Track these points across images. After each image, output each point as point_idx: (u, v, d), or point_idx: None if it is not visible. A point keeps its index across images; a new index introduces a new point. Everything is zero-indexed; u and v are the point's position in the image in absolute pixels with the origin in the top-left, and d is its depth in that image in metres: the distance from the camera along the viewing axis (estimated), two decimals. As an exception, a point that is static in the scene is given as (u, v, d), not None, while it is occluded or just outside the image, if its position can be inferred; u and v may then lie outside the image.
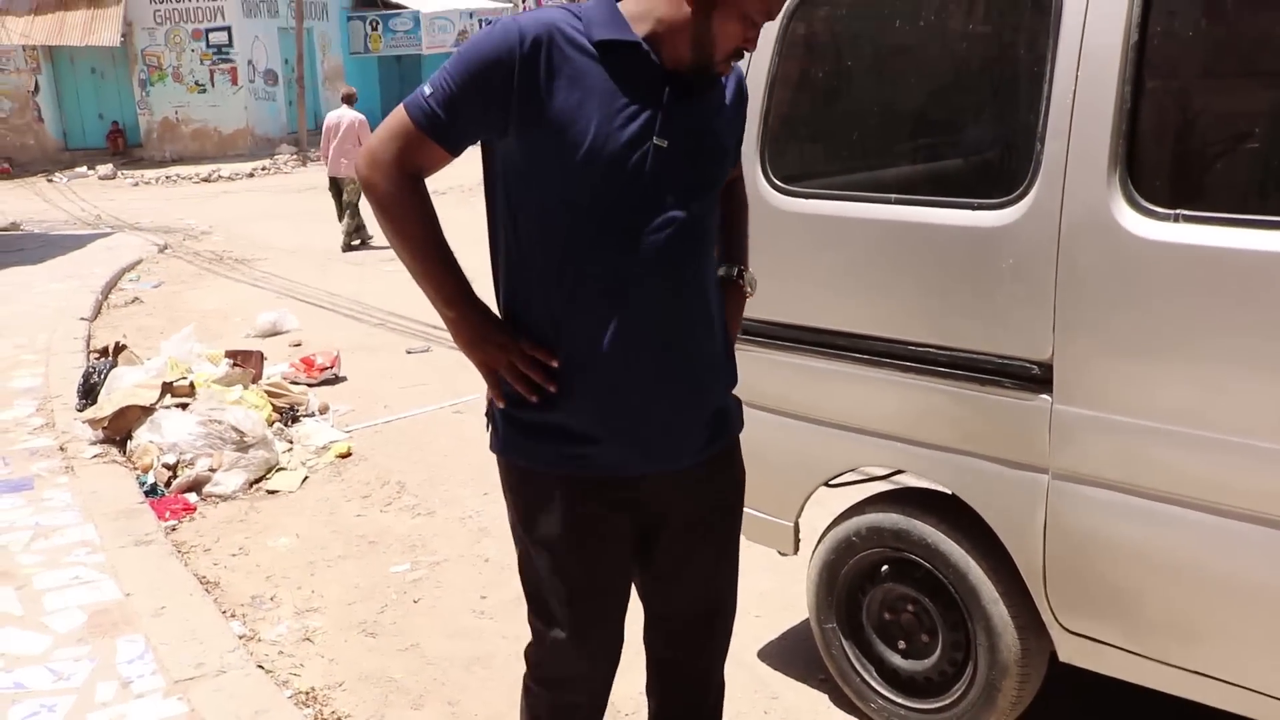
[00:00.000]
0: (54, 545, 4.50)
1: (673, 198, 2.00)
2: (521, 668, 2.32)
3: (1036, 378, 2.45)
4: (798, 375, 2.90)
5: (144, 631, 3.76)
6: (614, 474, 2.09)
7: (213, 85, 26.00)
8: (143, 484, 5.24)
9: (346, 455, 5.73)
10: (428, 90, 1.99)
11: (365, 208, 11.88)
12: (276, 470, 5.51)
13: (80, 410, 6.18)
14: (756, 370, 2.97)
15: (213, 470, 5.33)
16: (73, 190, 20.76)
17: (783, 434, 2.96)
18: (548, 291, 2.02)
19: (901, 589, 2.92)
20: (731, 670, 2.50)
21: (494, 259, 2.13)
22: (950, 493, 2.74)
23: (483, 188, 2.12)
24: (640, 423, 2.07)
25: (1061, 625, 2.57)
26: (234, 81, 26.03)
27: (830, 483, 3.05)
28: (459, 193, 13.31)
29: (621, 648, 2.27)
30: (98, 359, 6.82)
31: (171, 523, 4.90)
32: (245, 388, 6.23)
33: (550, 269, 2.01)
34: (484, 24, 31.09)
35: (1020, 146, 2.46)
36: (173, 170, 23.26)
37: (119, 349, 6.80)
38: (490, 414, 2.18)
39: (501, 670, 3.56)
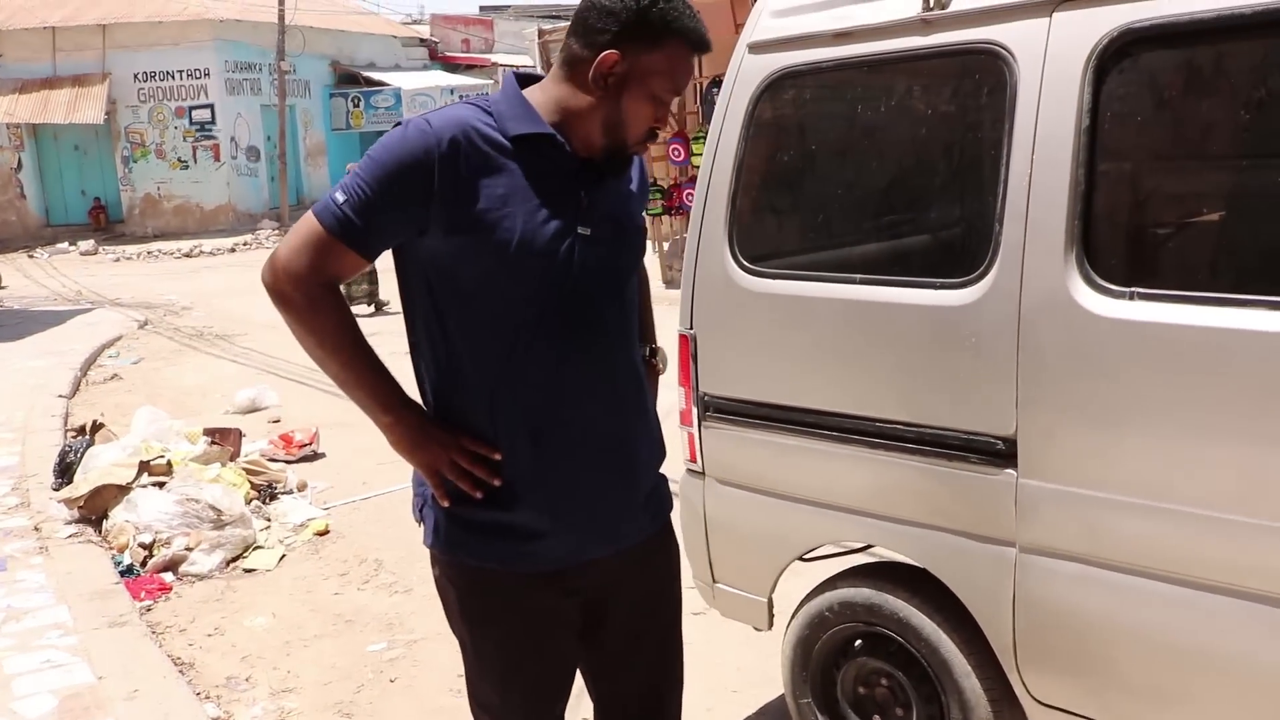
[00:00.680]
0: (25, 628, 4.46)
1: (602, 284, 2.04)
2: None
3: (1001, 452, 2.49)
4: (769, 452, 2.93)
5: (116, 716, 3.72)
6: (560, 565, 2.09)
7: (195, 162, 26.22)
8: (118, 564, 5.21)
9: (324, 533, 5.71)
10: (340, 197, 1.95)
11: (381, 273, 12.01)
12: (254, 549, 5.48)
13: (56, 489, 6.15)
14: (729, 447, 3.02)
15: (189, 549, 5.30)
16: (54, 266, 20.80)
17: (755, 510, 2.99)
18: (483, 388, 2.01)
19: (875, 663, 2.93)
20: (707, 748, 2.50)
21: (416, 359, 2.11)
22: (921, 567, 2.77)
23: (397, 288, 2.10)
24: (584, 511, 2.07)
25: (1033, 697, 2.58)
26: (216, 158, 26.26)
27: (804, 557, 3.07)
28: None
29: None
30: (74, 437, 6.80)
31: (147, 603, 4.87)
32: (223, 465, 6.23)
33: (484, 366, 2.00)
34: (463, 99, 31.57)
35: (980, 227, 2.53)
36: (154, 246, 23.35)
37: (96, 427, 6.80)
38: (422, 510, 2.16)
39: (478, 750, 3.53)
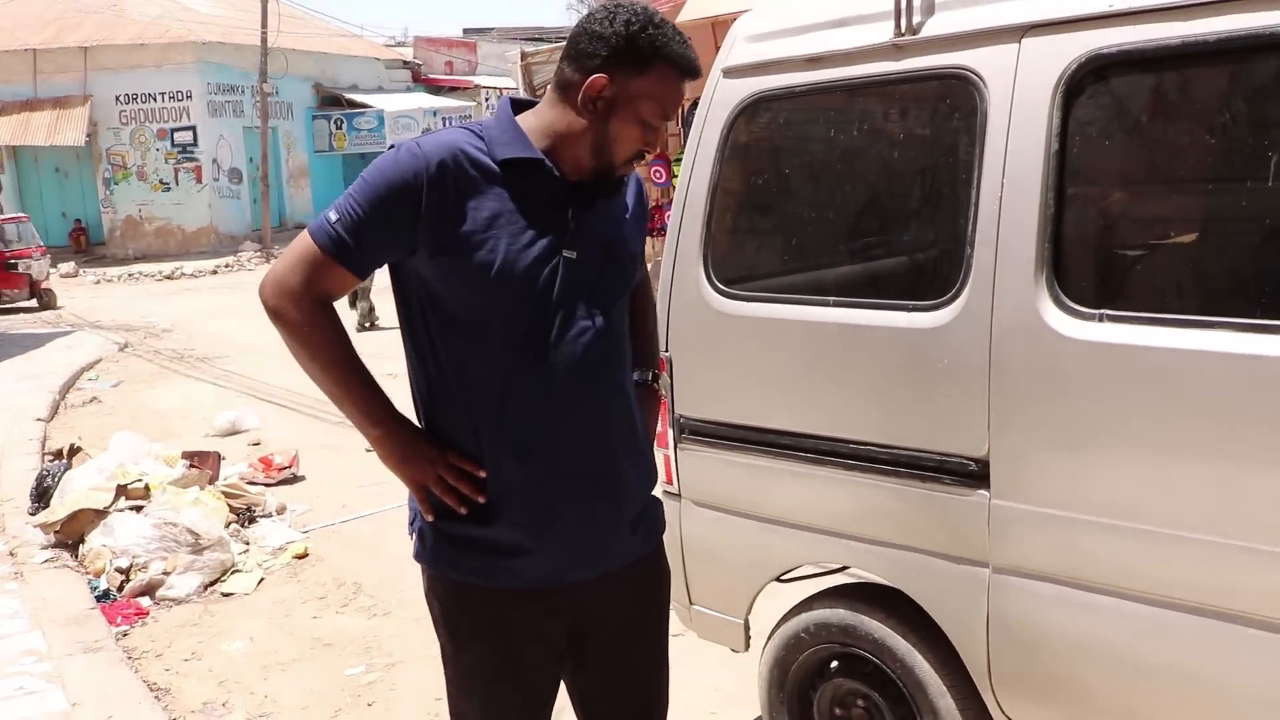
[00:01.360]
0: (-1, 654, 4.44)
1: (587, 308, 2.05)
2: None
3: (974, 473, 2.50)
4: (744, 474, 2.94)
5: (91, 742, 3.70)
6: (542, 584, 2.10)
7: (177, 184, 26.21)
8: (94, 589, 5.18)
9: (303, 556, 5.69)
10: (333, 216, 2.01)
11: (376, 293, 12.31)
12: (232, 572, 5.46)
13: (32, 514, 6.12)
14: (704, 469, 3.02)
15: (166, 574, 5.28)
16: (34, 289, 20.68)
17: (730, 532, 2.99)
18: (470, 406, 2.04)
19: (851, 684, 2.93)
20: (685, 769, 2.50)
21: (412, 374, 2.14)
22: (896, 588, 2.78)
23: (394, 304, 2.14)
24: (568, 533, 2.08)
25: (1008, 716, 2.59)
26: (198, 180, 26.25)
27: (780, 579, 3.07)
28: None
29: None
30: (52, 461, 6.77)
31: (123, 628, 4.85)
32: (202, 489, 6.20)
33: (472, 384, 2.03)
34: (447, 122, 31.70)
35: (951, 251, 2.55)
36: (135, 268, 23.29)
37: (74, 451, 6.76)
38: (413, 524, 2.19)
39: (455, 774, 3.52)
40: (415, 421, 2.14)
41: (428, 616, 4.74)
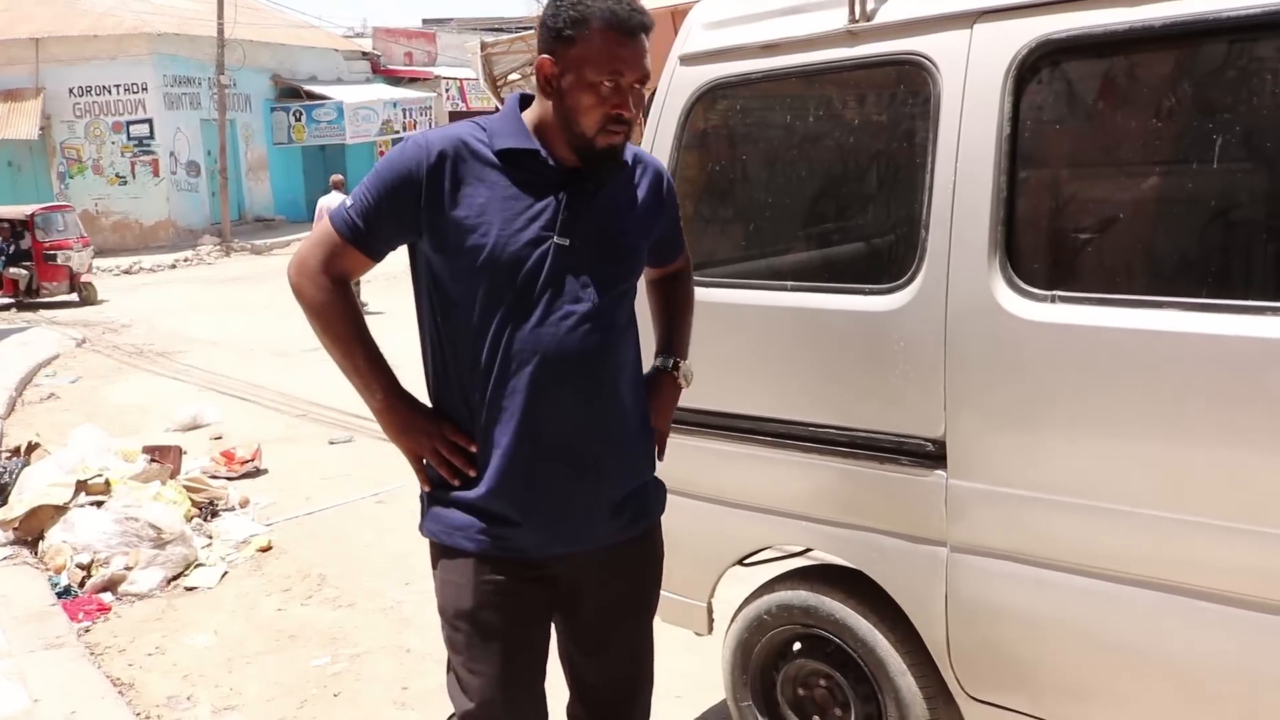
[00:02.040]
0: (-40, 652, 4.39)
1: (578, 295, 2.12)
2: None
3: (931, 454, 2.54)
4: (704, 458, 2.97)
5: (54, 737, 3.67)
6: (527, 555, 2.19)
7: (134, 177, 25.88)
8: (55, 585, 5.13)
9: (267, 549, 5.67)
10: (349, 203, 2.19)
11: (365, 279, 12.14)
12: (195, 566, 5.43)
13: (-9, 511, 6.04)
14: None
15: (128, 569, 5.24)
16: (-12, 285, 20.38)
17: (692, 516, 3.01)
18: (465, 385, 2.17)
19: (813, 664, 2.97)
20: (652, 751, 2.53)
21: (423, 353, 2.26)
22: (856, 569, 2.81)
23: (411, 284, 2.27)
24: (553, 509, 2.17)
25: (967, 693, 2.63)
26: (155, 173, 25.93)
27: (744, 562, 3.10)
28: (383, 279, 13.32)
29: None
30: (9, 458, 6.70)
31: (85, 624, 4.81)
32: (163, 484, 6.15)
33: (466, 364, 2.15)
34: (407, 113, 31.49)
35: (906, 234, 2.58)
36: (92, 262, 22.97)
37: (32, 448, 6.69)
38: (421, 497, 2.30)
39: (422, 762, 3.53)
40: (425, 399, 2.27)
41: (393, 607, 4.77)
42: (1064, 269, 2.48)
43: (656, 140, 3.03)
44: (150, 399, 9.74)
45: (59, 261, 17.17)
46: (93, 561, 5.27)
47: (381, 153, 31.43)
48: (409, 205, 2.11)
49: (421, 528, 2.29)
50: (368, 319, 2.33)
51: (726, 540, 3.02)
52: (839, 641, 2.85)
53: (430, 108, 32.75)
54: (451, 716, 2.34)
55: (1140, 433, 2.24)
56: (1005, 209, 2.40)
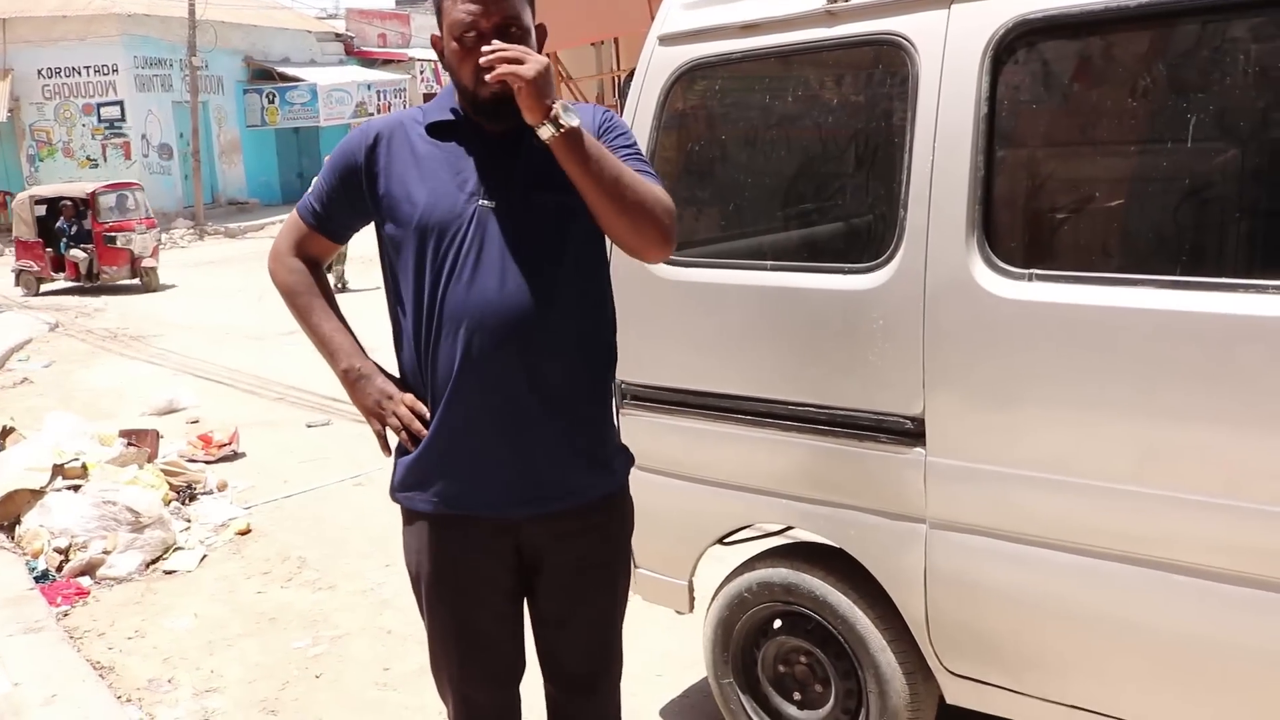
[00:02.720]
0: (-62, 637, 4.37)
1: (502, 257, 2.14)
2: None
3: (910, 432, 2.56)
4: (685, 437, 2.99)
5: (34, 721, 3.67)
6: (477, 516, 2.24)
7: (105, 160, 25.65)
8: (33, 570, 5.11)
9: (246, 532, 5.66)
10: (310, 190, 2.35)
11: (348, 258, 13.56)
12: (174, 550, 5.42)
13: (-35, 496, 6.00)
14: (646, 434, 3.05)
15: (106, 553, 5.22)
16: (-43, 269, 20.20)
17: (672, 495, 3.03)
18: (414, 349, 2.23)
19: (794, 641, 2.99)
20: (633, 729, 2.55)
21: (391, 324, 2.33)
22: (836, 546, 2.84)
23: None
24: (488, 470, 2.21)
25: (946, 668, 2.67)
26: (127, 156, 25.72)
27: (724, 541, 3.13)
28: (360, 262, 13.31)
29: (517, 683, 2.42)
30: (-16, 443, 6.64)
31: (64, 608, 4.79)
32: (140, 467, 6.13)
33: (412, 330, 2.22)
34: (381, 95, 31.28)
35: (885, 213, 2.60)
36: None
37: (6, 432, 6.65)
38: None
39: (405, 742, 3.55)
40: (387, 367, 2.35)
41: (373, 589, 4.76)
42: (1041, 247, 2.51)
43: (635, 120, 3.03)
44: (126, 383, 9.69)
45: (119, 244, 16.30)
46: (70, 545, 5.25)
47: (356, 134, 31.22)
48: (355, 188, 2.25)
49: (390, 493, 2.36)
50: (347, 296, 2.36)
51: (707, 519, 3.04)
52: (819, 618, 2.88)
53: (404, 90, 32.55)
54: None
55: (1116, 409, 2.27)
56: (983, 188, 2.42)
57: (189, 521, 5.78)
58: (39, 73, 25.27)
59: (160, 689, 4.05)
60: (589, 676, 2.43)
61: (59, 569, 5.15)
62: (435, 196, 2.16)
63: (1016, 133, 2.51)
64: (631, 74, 3.20)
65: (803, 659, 3.00)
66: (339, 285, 13.44)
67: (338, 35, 34.70)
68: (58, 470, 5.76)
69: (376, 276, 2.54)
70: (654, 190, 2.17)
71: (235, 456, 7.04)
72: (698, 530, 3.07)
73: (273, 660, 4.22)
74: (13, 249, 17.57)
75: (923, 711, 2.79)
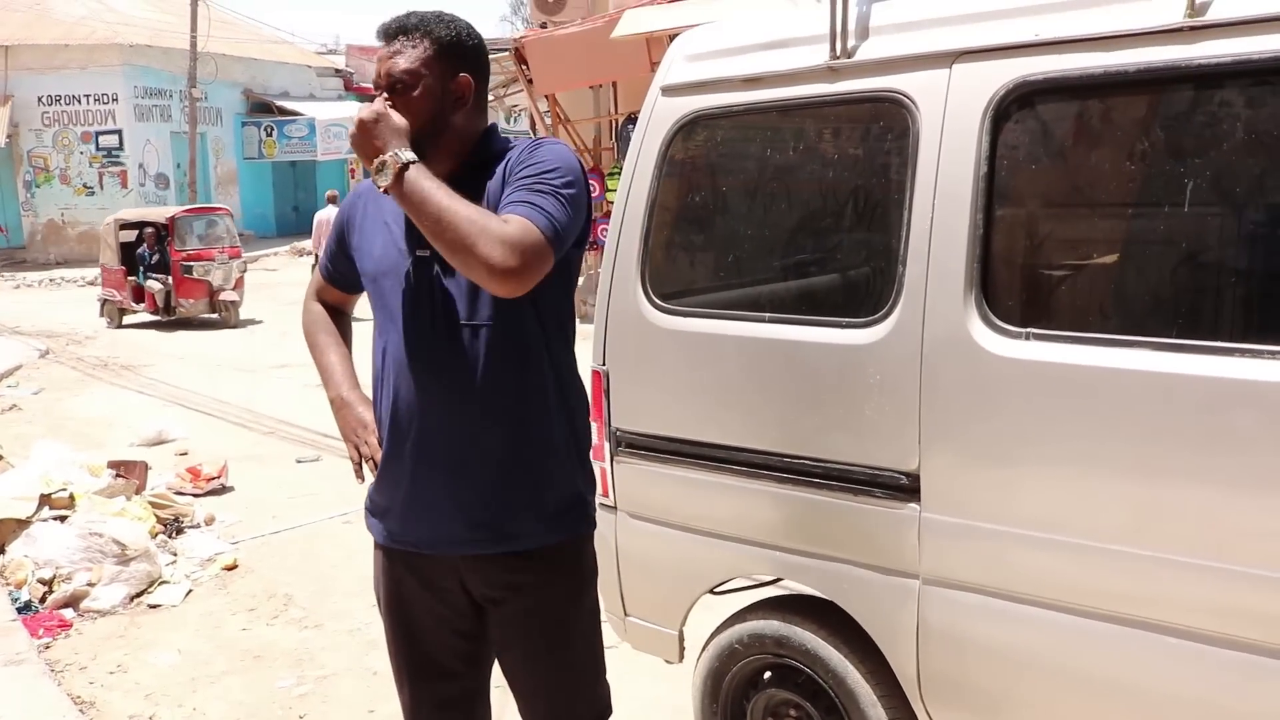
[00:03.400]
0: (-82, 668, 4.32)
1: (440, 303, 2.21)
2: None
3: (905, 487, 2.56)
4: (678, 487, 2.98)
5: (13, 757, 3.62)
6: (420, 551, 2.35)
7: (101, 188, 25.70)
8: (15, 600, 5.07)
9: (233, 567, 5.62)
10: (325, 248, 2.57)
11: None
12: (159, 584, 5.38)
13: (-49, 525, 5.95)
14: (640, 482, 3.06)
15: (91, 585, 5.18)
16: (-50, 294, 20.16)
17: (665, 544, 3.03)
18: (374, 394, 2.38)
19: (784, 694, 2.98)
20: (620, 778, 2.53)
21: None
22: (828, 599, 2.83)
23: None
24: (423, 507, 2.30)
25: (936, 726, 2.65)
26: (124, 184, 25.76)
27: (715, 591, 3.11)
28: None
29: (479, 713, 2.53)
30: (-29, 471, 6.59)
31: (46, 640, 4.75)
32: (128, 499, 6.09)
33: (372, 369, 2.37)
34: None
35: (884, 269, 2.61)
36: (57, 273, 22.79)
37: (-6, 460, 6.60)
38: None
39: (388, 787, 3.51)
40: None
41: (360, 629, 4.73)
42: (1039, 307, 2.52)
43: (637, 169, 3.05)
44: (115, 412, 9.65)
45: (196, 274, 14.88)
46: (55, 577, 5.21)
47: (352, 170, 31.38)
48: (345, 243, 2.46)
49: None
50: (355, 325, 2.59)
51: (698, 569, 3.03)
52: (810, 672, 2.87)
53: (403, 126, 32.60)
54: None
55: (1110, 469, 2.28)
56: (982, 246, 2.44)
57: (175, 555, 5.74)
58: (39, 100, 25.36)
59: (141, 726, 4.00)
60: (560, 706, 2.43)
61: (42, 600, 5.11)
62: (384, 249, 2.31)
63: (1016, 192, 2.53)
64: (629, 117, 3.22)
65: (793, 712, 2.98)
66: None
67: (337, 70, 34.88)
68: (45, 500, 5.73)
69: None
70: (484, 225, 2.00)
71: (224, 490, 7.01)
72: (689, 580, 3.06)
73: (256, 699, 4.18)
74: (100, 276, 16.16)
75: (912, 768, 2.77)
